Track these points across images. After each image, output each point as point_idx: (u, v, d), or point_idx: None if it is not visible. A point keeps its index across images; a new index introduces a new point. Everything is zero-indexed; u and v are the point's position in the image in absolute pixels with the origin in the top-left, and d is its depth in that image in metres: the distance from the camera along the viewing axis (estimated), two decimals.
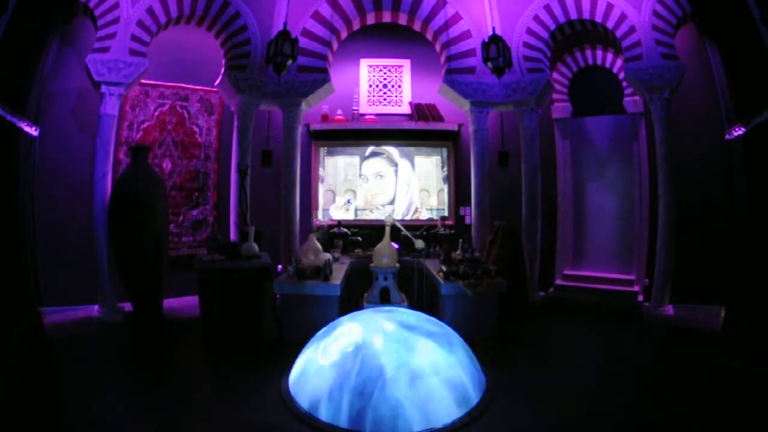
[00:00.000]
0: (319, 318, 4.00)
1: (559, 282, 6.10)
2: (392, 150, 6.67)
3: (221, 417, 2.99)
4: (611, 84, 6.14)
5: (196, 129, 6.03)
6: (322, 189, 6.60)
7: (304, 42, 5.71)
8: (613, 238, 6.08)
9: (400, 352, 2.91)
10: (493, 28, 5.59)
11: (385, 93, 6.72)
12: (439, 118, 6.49)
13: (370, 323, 3.17)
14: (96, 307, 5.07)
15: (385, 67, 6.73)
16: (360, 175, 6.66)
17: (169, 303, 5.31)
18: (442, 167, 6.67)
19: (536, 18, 5.80)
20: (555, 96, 6.27)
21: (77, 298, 5.15)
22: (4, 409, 2.30)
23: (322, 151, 6.63)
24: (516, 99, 5.86)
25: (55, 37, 4.89)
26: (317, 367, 3.03)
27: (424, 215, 6.63)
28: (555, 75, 6.24)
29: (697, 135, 5.52)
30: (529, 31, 5.82)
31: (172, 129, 5.88)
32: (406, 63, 6.72)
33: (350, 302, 4.74)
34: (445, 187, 6.65)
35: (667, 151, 5.25)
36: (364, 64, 6.71)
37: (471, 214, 6.09)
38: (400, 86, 6.71)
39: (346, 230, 6.00)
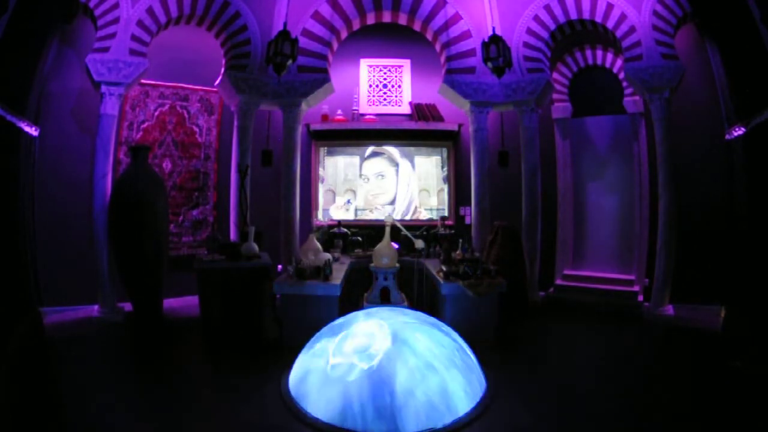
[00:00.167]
0: (319, 318, 4.00)
1: (559, 282, 6.10)
2: (393, 150, 6.67)
3: (221, 417, 2.99)
4: (611, 84, 6.14)
5: (196, 129, 6.03)
6: (322, 189, 6.60)
7: (304, 42, 5.71)
8: (613, 238, 6.08)
9: (400, 352, 2.90)
10: (493, 28, 5.59)
11: (385, 93, 6.72)
12: (439, 118, 6.49)
13: (370, 325, 3.17)
14: (96, 307, 5.08)
15: (385, 67, 6.73)
16: (360, 175, 6.65)
17: (169, 303, 5.31)
18: (442, 167, 6.67)
19: (536, 18, 5.80)
20: (555, 96, 6.27)
21: (77, 298, 5.15)
22: (4, 409, 2.30)
23: (322, 151, 6.63)
24: (516, 99, 5.86)
25: (55, 37, 4.89)
26: (321, 372, 3.03)
27: (424, 215, 6.62)
28: (555, 75, 6.24)
29: (697, 135, 5.53)
30: (529, 31, 5.83)
31: (172, 129, 5.88)
32: (406, 63, 6.72)
33: (350, 302, 4.75)
34: (445, 187, 6.65)
35: (667, 151, 5.25)
36: (364, 64, 6.71)
37: (471, 214, 6.09)
38: (400, 86, 6.71)
39: (346, 230, 6.00)
